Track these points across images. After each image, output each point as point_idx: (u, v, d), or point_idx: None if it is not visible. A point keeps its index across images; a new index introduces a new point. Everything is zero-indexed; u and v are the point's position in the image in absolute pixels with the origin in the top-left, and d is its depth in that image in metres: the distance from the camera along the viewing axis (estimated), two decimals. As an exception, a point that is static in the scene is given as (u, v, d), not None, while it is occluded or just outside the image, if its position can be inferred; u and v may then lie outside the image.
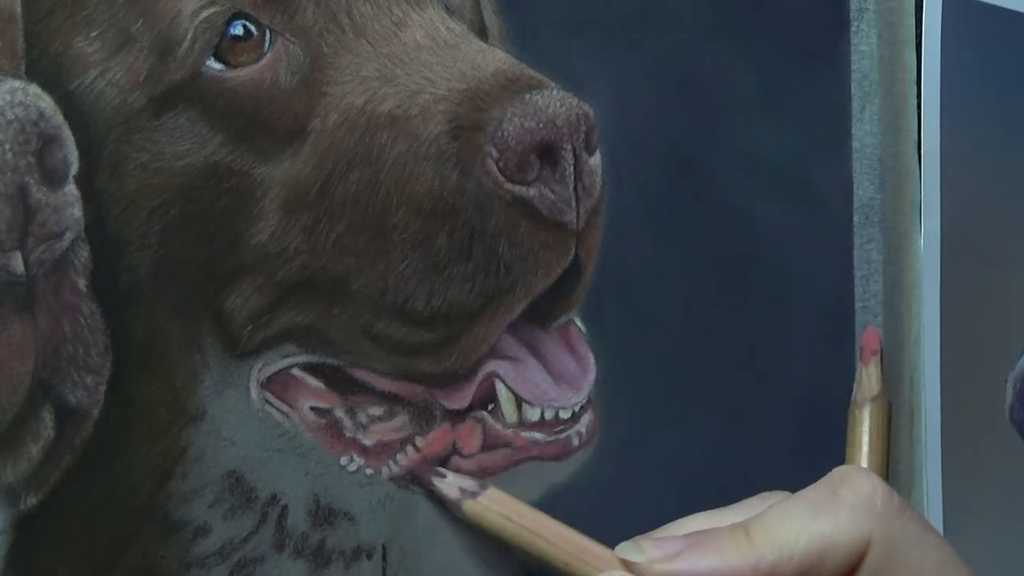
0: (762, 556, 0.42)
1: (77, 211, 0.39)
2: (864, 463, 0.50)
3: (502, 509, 0.45)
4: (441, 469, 0.46)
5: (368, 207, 0.43)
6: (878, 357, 0.50)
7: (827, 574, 0.43)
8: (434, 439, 0.46)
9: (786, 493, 0.46)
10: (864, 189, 0.61)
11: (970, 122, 0.65)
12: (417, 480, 0.46)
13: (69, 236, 0.39)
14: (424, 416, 0.46)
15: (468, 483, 0.45)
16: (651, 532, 0.45)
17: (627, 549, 0.44)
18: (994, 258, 0.67)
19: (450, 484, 0.45)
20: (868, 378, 0.50)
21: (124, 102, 0.41)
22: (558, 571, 0.45)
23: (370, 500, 0.45)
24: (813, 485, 0.45)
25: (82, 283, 0.39)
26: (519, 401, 0.47)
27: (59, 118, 0.39)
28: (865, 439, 0.50)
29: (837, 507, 0.43)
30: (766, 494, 0.46)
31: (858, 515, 0.43)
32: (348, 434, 0.45)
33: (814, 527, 0.43)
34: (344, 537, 0.45)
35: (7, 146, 0.37)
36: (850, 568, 0.43)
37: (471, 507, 0.45)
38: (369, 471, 0.45)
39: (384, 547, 0.45)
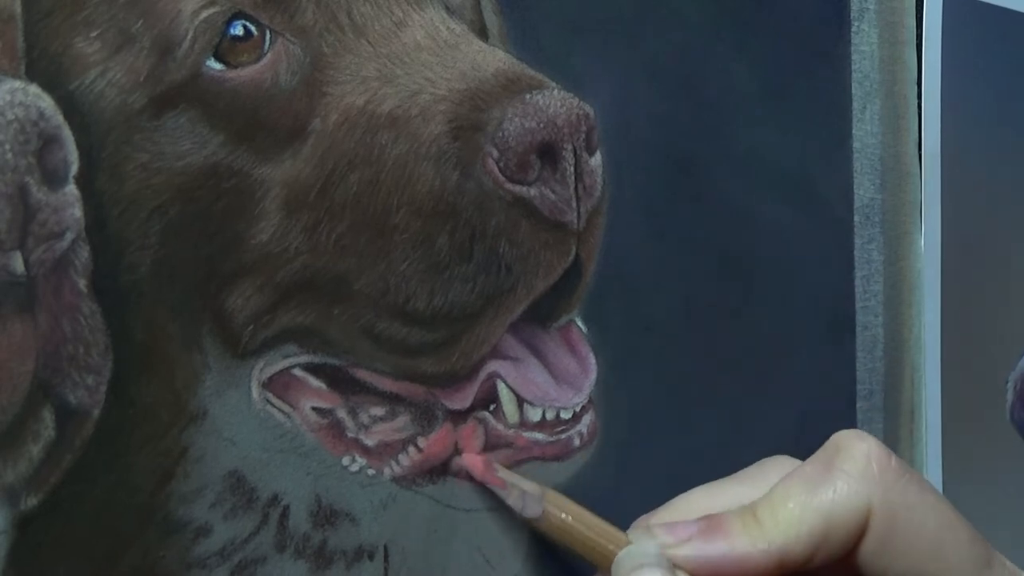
0: (771, 540, 0.43)
1: (77, 211, 0.39)
2: None
3: (556, 523, 0.46)
4: (507, 479, 0.46)
5: (369, 207, 0.43)
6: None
7: (835, 548, 0.43)
8: (436, 439, 0.46)
9: (788, 458, 0.46)
10: (865, 189, 0.61)
11: (970, 122, 0.65)
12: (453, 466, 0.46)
13: (69, 236, 0.39)
14: (426, 416, 0.46)
15: (529, 509, 0.46)
16: (659, 508, 0.46)
17: (639, 535, 0.44)
18: (994, 258, 0.67)
19: (515, 503, 0.46)
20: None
21: (124, 102, 0.41)
22: (584, 559, 0.45)
23: (372, 500, 0.45)
24: (812, 457, 0.45)
25: (82, 283, 0.39)
26: (520, 401, 0.47)
27: (59, 118, 0.39)
28: None
29: (834, 480, 0.43)
30: (765, 461, 0.47)
31: (856, 485, 0.43)
32: (350, 434, 0.45)
33: (815, 503, 0.43)
34: (346, 538, 0.44)
35: (7, 146, 0.37)
36: (856, 537, 0.43)
37: (529, 523, 0.46)
38: (371, 471, 0.45)
39: (386, 548, 0.45)
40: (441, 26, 0.45)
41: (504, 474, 0.46)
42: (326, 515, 0.44)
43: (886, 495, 0.43)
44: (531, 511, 0.46)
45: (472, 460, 0.46)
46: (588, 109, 0.45)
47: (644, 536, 0.44)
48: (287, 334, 0.44)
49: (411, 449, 0.46)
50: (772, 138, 0.57)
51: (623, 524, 0.46)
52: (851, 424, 0.61)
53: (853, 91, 0.61)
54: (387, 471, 0.45)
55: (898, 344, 0.63)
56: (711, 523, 0.44)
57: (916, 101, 0.63)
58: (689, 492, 0.46)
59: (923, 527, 0.43)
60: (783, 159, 0.58)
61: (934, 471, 0.64)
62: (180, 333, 0.42)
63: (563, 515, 0.45)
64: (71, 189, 0.39)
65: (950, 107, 0.64)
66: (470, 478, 0.47)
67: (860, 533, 0.43)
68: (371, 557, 0.45)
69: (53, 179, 0.38)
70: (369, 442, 0.45)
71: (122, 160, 0.41)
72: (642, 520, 0.46)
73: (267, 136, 0.43)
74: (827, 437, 0.45)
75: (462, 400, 0.46)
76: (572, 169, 0.45)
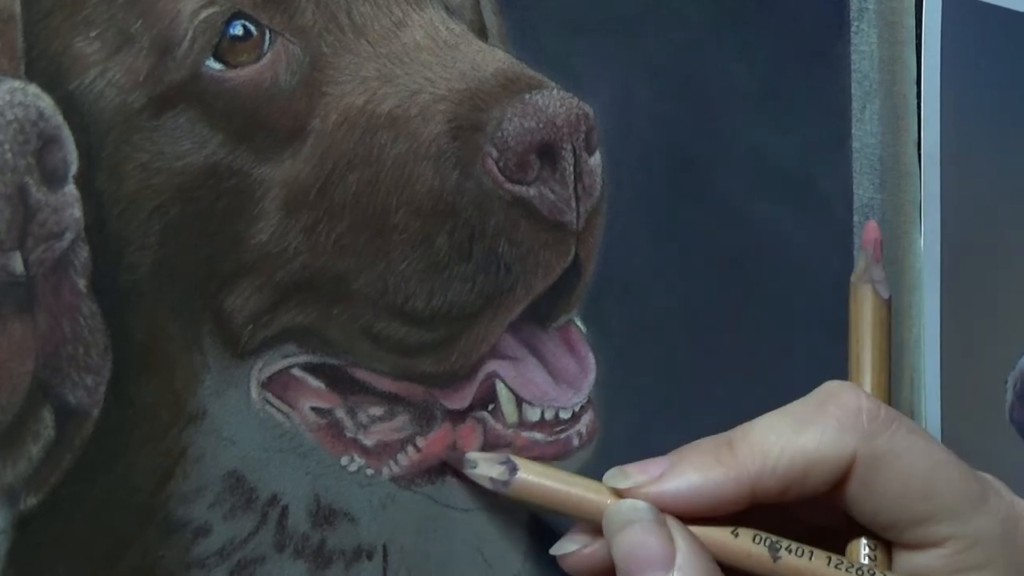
0: (744, 469, 0.43)
1: (77, 211, 0.39)
2: (864, 342, 0.50)
3: (530, 492, 0.45)
4: (471, 456, 0.46)
5: (368, 207, 0.43)
6: (869, 248, 0.50)
7: (811, 488, 0.43)
8: (435, 439, 0.46)
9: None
10: (864, 189, 0.61)
11: (970, 122, 0.65)
12: (449, 465, 0.46)
13: (69, 236, 0.39)
14: (425, 416, 0.46)
15: (496, 471, 0.45)
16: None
17: (614, 477, 0.44)
18: (994, 258, 0.67)
19: (481, 476, 0.45)
20: (859, 261, 0.50)
21: (124, 102, 0.41)
22: (565, 515, 0.45)
23: (371, 500, 0.45)
24: (801, 399, 0.45)
25: (82, 283, 0.39)
26: (519, 401, 0.47)
27: (59, 118, 0.39)
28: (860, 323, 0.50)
29: (823, 423, 0.43)
30: (762, 416, 0.46)
31: (843, 431, 0.43)
32: (349, 434, 0.45)
33: (798, 442, 0.43)
34: (345, 537, 0.44)
35: (7, 146, 0.37)
36: (834, 483, 0.43)
37: (505, 494, 0.45)
38: (370, 471, 0.45)
39: (385, 547, 0.45)
40: (441, 26, 0.45)
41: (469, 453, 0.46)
42: (325, 515, 0.44)
43: (872, 444, 0.43)
44: (500, 480, 0.45)
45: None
46: (587, 109, 0.45)
47: (618, 477, 0.44)
48: (286, 334, 0.44)
49: (410, 449, 0.46)
50: (772, 138, 0.57)
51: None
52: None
53: (852, 91, 0.61)
54: (386, 471, 0.45)
55: (897, 345, 0.62)
56: (683, 456, 0.44)
57: (916, 101, 0.63)
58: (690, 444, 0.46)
59: (911, 471, 0.43)
60: (783, 159, 0.58)
61: (933, 471, 0.64)
62: (180, 333, 0.42)
63: (537, 477, 0.45)
64: (70, 189, 0.39)
65: (949, 107, 0.64)
66: (459, 474, 0.46)
67: (841, 477, 0.43)
68: (370, 557, 0.45)
69: (52, 179, 0.38)
70: (368, 442, 0.45)
71: (122, 160, 0.41)
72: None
73: (267, 136, 0.43)
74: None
75: (461, 400, 0.46)
76: (571, 169, 0.45)
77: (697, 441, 0.45)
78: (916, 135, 0.63)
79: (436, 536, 0.46)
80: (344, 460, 0.45)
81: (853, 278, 0.50)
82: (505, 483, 0.45)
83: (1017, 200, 0.68)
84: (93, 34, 0.40)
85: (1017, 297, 0.68)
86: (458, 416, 0.46)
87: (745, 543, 0.43)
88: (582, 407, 0.49)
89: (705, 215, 0.55)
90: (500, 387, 0.47)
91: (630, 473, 0.44)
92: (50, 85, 0.39)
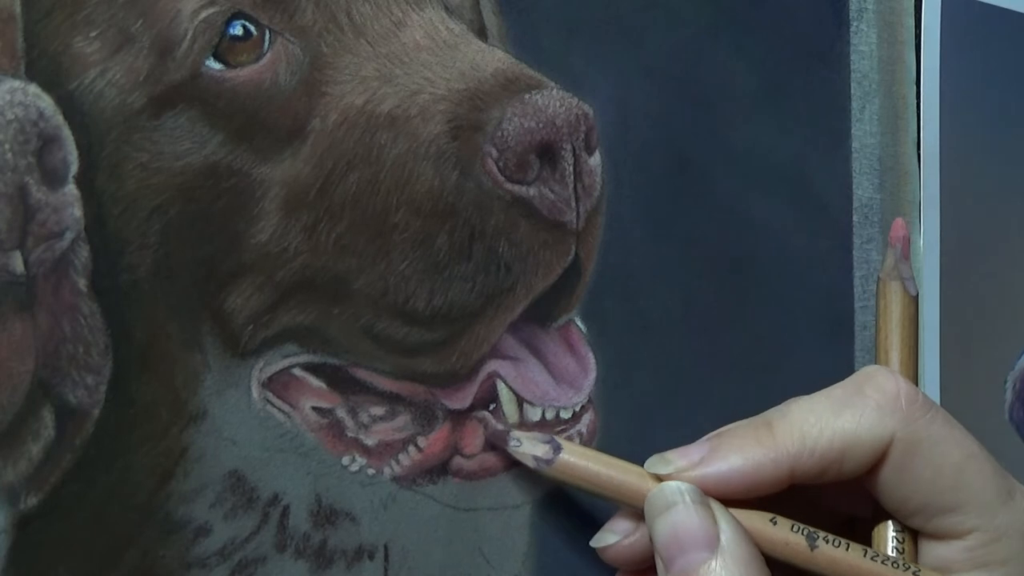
0: (783, 450, 0.43)
1: (77, 211, 0.39)
2: (893, 344, 0.50)
3: (571, 473, 0.45)
4: (516, 434, 0.46)
5: (368, 207, 0.43)
6: (898, 244, 0.50)
7: (848, 470, 0.43)
8: (436, 439, 0.46)
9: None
10: (863, 189, 0.61)
11: (969, 122, 0.65)
12: (492, 444, 0.46)
13: (69, 236, 0.39)
14: (426, 416, 0.46)
15: (541, 450, 0.45)
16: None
17: (654, 463, 0.44)
18: (993, 258, 0.67)
19: (524, 454, 0.45)
20: (887, 257, 0.50)
21: (124, 102, 0.41)
22: (606, 498, 0.45)
23: (372, 500, 0.45)
24: (839, 383, 0.45)
25: (82, 283, 0.39)
26: (520, 401, 0.47)
27: (59, 118, 0.39)
28: (889, 323, 0.50)
29: (862, 405, 0.43)
30: (799, 398, 0.46)
31: (882, 414, 0.43)
32: (350, 434, 0.45)
33: (837, 423, 0.43)
34: (346, 537, 0.44)
35: (7, 146, 0.37)
36: (871, 465, 0.43)
37: (546, 473, 0.45)
38: (371, 471, 0.45)
39: (386, 547, 0.45)
40: (440, 26, 0.45)
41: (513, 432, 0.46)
42: (326, 515, 0.44)
43: (909, 428, 0.43)
44: (544, 459, 0.45)
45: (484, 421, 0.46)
46: (587, 109, 0.45)
47: (659, 463, 0.44)
48: (287, 334, 0.44)
49: (411, 449, 0.46)
50: (771, 138, 0.57)
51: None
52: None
53: (852, 91, 0.61)
54: (387, 471, 0.45)
55: (897, 344, 0.62)
56: (723, 439, 0.44)
57: (915, 101, 0.63)
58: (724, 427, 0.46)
59: (945, 459, 0.43)
60: (782, 159, 0.58)
61: (933, 471, 0.64)
62: (180, 333, 0.42)
63: (580, 458, 0.45)
64: (71, 189, 0.39)
65: (949, 107, 0.64)
66: (470, 475, 0.47)
67: (877, 461, 0.43)
68: (371, 557, 0.45)
69: (53, 179, 0.38)
70: (369, 442, 0.45)
71: (122, 160, 0.41)
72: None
73: (266, 136, 0.43)
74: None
75: (462, 400, 0.46)
76: (571, 169, 0.45)
77: (733, 424, 0.45)
78: (916, 135, 0.63)
79: (437, 536, 0.46)
80: (345, 460, 0.45)
81: (881, 274, 0.50)
82: (548, 462, 0.45)
83: (1017, 200, 0.68)
84: (93, 34, 0.40)
85: (1017, 297, 0.68)
86: (459, 416, 0.46)
87: (783, 532, 0.43)
88: (582, 407, 0.49)
89: (704, 215, 0.55)
90: (501, 387, 0.47)
91: (671, 459, 0.44)
92: (50, 85, 0.39)
